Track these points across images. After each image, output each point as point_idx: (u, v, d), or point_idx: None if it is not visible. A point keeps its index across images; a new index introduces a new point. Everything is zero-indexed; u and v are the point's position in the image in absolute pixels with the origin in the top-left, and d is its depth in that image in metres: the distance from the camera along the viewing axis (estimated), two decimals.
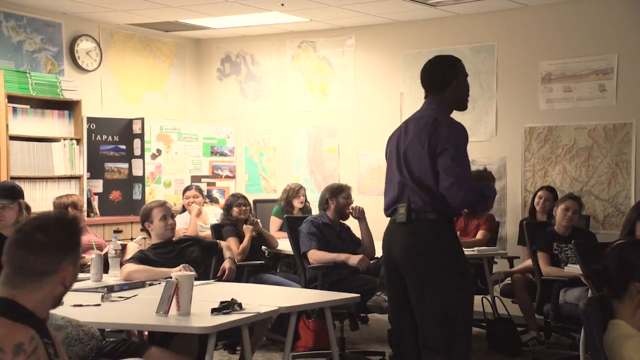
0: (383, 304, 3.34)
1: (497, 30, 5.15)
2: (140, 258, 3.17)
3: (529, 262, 4.09)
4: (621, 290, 1.84)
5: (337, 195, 3.93)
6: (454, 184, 2.34)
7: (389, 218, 2.53)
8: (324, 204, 3.97)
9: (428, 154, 2.37)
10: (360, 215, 3.96)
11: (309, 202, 5.10)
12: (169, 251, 3.26)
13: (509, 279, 4.27)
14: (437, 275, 2.37)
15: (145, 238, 4.45)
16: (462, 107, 2.53)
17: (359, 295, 3.07)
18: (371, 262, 3.92)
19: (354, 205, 3.99)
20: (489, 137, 5.21)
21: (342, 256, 3.72)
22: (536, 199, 4.55)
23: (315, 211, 5.19)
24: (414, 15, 5.30)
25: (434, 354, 2.35)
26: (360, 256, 3.71)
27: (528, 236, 3.97)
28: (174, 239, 3.37)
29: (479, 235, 4.34)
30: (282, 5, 4.99)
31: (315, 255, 3.75)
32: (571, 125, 4.89)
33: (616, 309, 1.85)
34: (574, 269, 3.57)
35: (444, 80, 2.49)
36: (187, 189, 5.05)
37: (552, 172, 4.95)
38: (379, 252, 3.95)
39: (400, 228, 2.43)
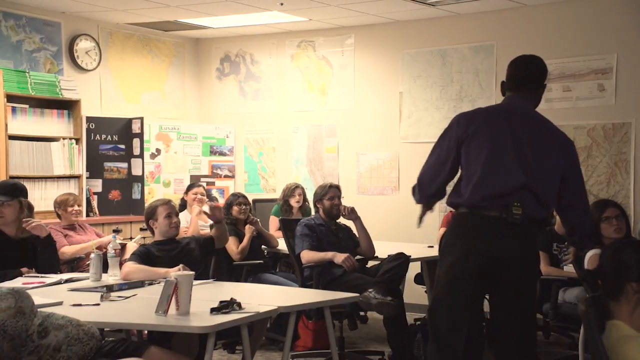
0: (372, 300, 3.35)
1: (496, 30, 5.16)
2: (142, 254, 3.18)
3: None
4: (617, 291, 1.84)
5: (322, 199, 3.97)
6: (587, 210, 2.41)
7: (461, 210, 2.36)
8: (314, 207, 4.04)
9: (558, 170, 2.34)
10: (350, 215, 3.96)
11: (308, 202, 5.11)
12: (172, 248, 3.27)
13: None
14: (534, 280, 2.43)
15: (144, 237, 4.46)
16: None
17: (358, 294, 3.08)
18: (370, 261, 3.93)
19: (343, 204, 4.01)
20: None
21: (328, 254, 3.74)
22: None
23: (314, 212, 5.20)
24: (413, 15, 5.30)
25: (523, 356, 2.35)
26: (345, 255, 3.71)
27: None
28: (182, 241, 3.38)
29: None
30: (282, 4, 5.00)
31: (306, 256, 3.78)
32: (570, 124, 4.90)
33: (613, 309, 1.85)
34: (571, 268, 3.59)
35: (542, 77, 2.48)
36: (193, 185, 5.05)
37: None
38: (378, 252, 3.97)
39: (516, 231, 2.29)
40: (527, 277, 2.34)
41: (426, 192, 2.41)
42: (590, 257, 3.16)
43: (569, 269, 3.67)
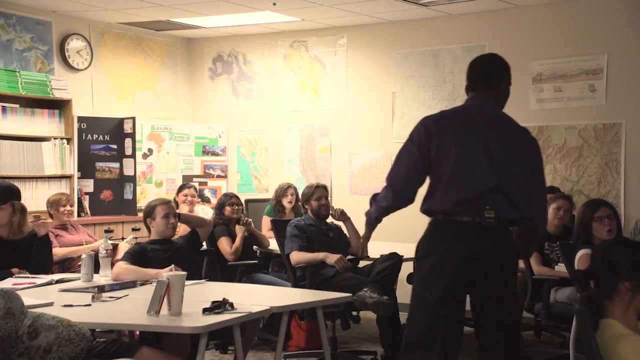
0: (368, 299, 3.35)
1: (488, 31, 5.18)
2: (135, 252, 3.17)
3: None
4: (611, 291, 1.85)
5: (309, 200, 3.97)
6: (545, 207, 2.38)
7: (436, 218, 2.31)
8: (303, 208, 4.05)
9: (528, 169, 2.30)
10: (340, 217, 3.97)
11: (300, 202, 5.10)
12: (166, 249, 3.26)
13: None
14: (513, 282, 2.36)
15: (136, 238, 4.45)
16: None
17: (351, 294, 3.08)
18: (362, 261, 3.93)
19: (333, 206, 4.01)
20: None
21: (320, 255, 3.73)
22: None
23: None
24: (405, 15, 5.31)
25: None
26: (338, 256, 3.71)
27: None
28: (176, 241, 3.37)
29: None
30: (274, 4, 4.99)
31: (296, 257, 3.78)
32: (562, 125, 4.92)
33: (606, 308, 1.86)
34: (563, 267, 3.60)
35: (501, 73, 2.43)
36: (184, 187, 5.04)
37: None
38: (370, 252, 3.97)
39: (490, 235, 2.24)
40: (505, 280, 2.30)
41: (402, 194, 2.34)
42: (581, 256, 3.17)
43: (561, 268, 3.68)
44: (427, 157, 2.29)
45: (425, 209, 2.33)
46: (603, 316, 1.86)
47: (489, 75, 2.40)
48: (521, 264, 4.12)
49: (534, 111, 5.03)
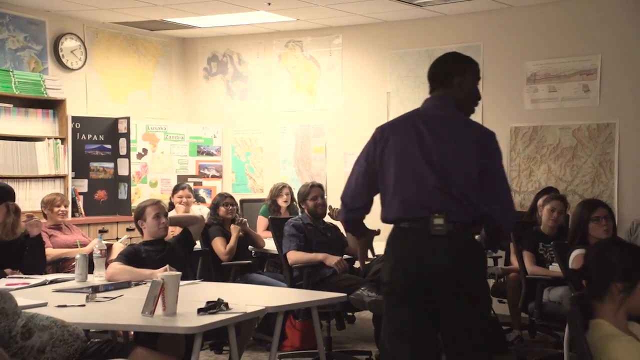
0: (365, 298, 3.35)
1: (483, 31, 5.19)
2: (129, 254, 3.16)
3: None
4: (603, 291, 1.85)
5: (305, 200, 3.97)
6: (511, 206, 2.24)
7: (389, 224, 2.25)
8: (300, 207, 4.04)
9: (475, 167, 2.17)
10: (338, 216, 3.96)
11: (296, 202, 5.10)
12: (160, 249, 3.25)
13: (503, 278, 4.31)
14: (477, 292, 2.21)
15: (130, 238, 4.43)
16: (466, 110, 2.32)
17: (345, 294, 3.08)
18: (356, 262, 3.92)
19: (331, 205, 4.01)
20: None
21: (319, 256, 3.73)
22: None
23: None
24: (400, 15, 5.32)
25: None
26: (338, 258, 3.70)
27: (514, 236, 4.01)
28: (170, 242, 3.36)
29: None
30: (269, 4, 4.99)
31: (293, 256, 3.77)
32: (556, 125, 4.94)
33: (597, 308, 1.86)
34: (557, 267, 3.61)
35: (452, 70, 2.31)
36: (179, 187, 5.03)
37: (538, 172, 5.00)
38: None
39: (441, 242, 2.13)
40: (465, 291, 2.14)
41: (348, 209, 2.30)
42: (575, 256, 3.18)
43: (555, 268, 3.70)
44: (374, 167, 2.25)
45: (382, 218, 2.27)
46: (593, 316, 1.86)
47: (435, 76, 2.33)
48: (516, 264, 4.15)
49: (528, 111, 5.04)
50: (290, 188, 5.03)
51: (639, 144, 4.66)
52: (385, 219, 2.26)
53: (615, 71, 4.73)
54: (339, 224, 4.05)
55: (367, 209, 2.32)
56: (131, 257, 3.13)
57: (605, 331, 1.82)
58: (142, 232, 3.32)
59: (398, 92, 5.50)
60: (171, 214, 4.80)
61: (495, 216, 2.20)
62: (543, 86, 4.98)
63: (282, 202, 4.92)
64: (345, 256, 3.93)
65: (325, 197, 4.04)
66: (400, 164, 2.21)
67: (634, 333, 1.88)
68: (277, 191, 4.94)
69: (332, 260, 3.69)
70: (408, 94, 5.46)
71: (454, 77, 2.31)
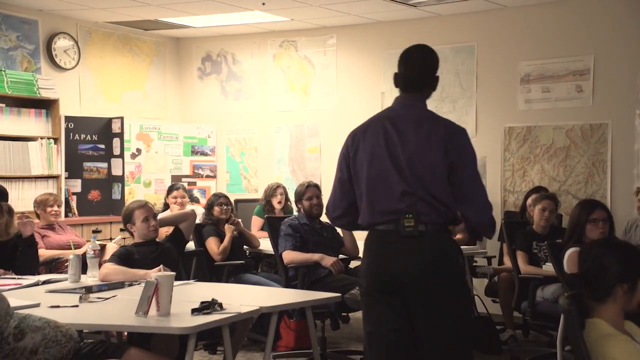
0: (360, 297, 3.34)
1: (477, 31, 5.20)
2: (122, 255, 3.14)
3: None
4: (607, 293, 1.85)
5: (301, 199, 3.97)
6: (486, 204, 2.16)
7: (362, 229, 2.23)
8: (297, 207, 4.03)
9: (443, 167, 2.13)
10: None
11: (290, 202, 5.10)
12: (152, 250, 3.24)
13: (496, 277, 4.32)
14: (453, 295, 2.15)
15: (124, 238, 4.42)
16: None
17: (340, 294, 3.08)
18: (353, 262, 3.93)
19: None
20: (469, 136, 5.24)
21: (315, 256, 3.73)
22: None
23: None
24: (395, 16, 5.33)
25: None
26: (334, 258, 3.70)
27: (507, 236, 4.02)
28: (162, 243, 3.35)
29: (460, 235, 4.37)
30: (263, 4, 4.98)
31: (289, 256, 3.77)
32: (549, 125, 4.96)
33: (595, 308, 1.86)
34: (551, 267, 3.62)
35: (434, 73, 2.25)
36: (173, 188, 5.02)
37: (531, 172, 5.01)
38: (361, 252, 3.97)
39: (410, 243, 2.10)
40: (435, 292, 2.09)
41: (331, 215, 2.30)
42: (570, 255, 3.18)
43: (548, 267, 3.71)
44: (348, 174, 2.24)
45: (359, 224, 2.25)
46: (589, 315, 1.86)
47: (423, 75, 2.25)
48: (509, 263, 4.17)
49: (522, 111, 5.06)
50: (284, 188, 5.02)
51: (632, 144, 4.68)
52: (360, 225, 2.25)
53: (608, 72, 4.75)
54: None
55: (348, 215, 2.28)
56: (124, 258, 3.12)
57: (602, 331, 1.82)
58: (132, 235, 3.31)
59: (392, 92, 5.42)
60: (165, 214, 4.80)
61: (469, 215, 2.16)
62: (537, 86, 5.00)
63: (276, 202, 4.91)
64: (341, 256, 3.93)
65: (321, 197, 4.02)
66: (370, 170, 2.18)
67: (630, 332, 1.88)
68: (271, 191, 4.93)
69: (328, 260, 3.68)
70: None
71: (433, 79, 2.27)
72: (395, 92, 2.35)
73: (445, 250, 2.15)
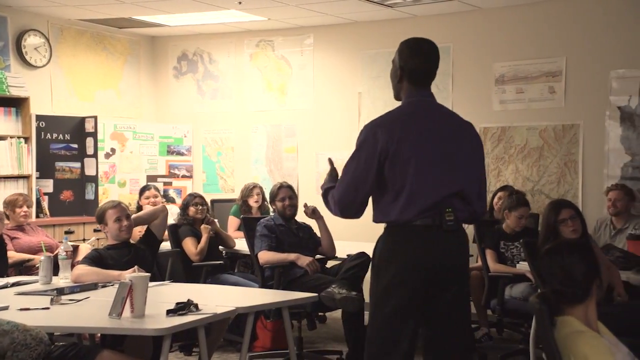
0: (336, 295, 3.35)
1: (452, 32, 5.25)
2: (94, 257, 3.09)
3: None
4: (587, 294, 1.88)
5: (274, 200, 3.97)
6: (486, 199, 2.32)
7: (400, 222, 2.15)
8: (272, 208, 4.02)
9: (480, 165, 2.24)
10: (312, 215, 3.95)
11: (267, 202, 5.08)
12: (125, 253, 3.19)
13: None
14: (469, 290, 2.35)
15: (98, 239, 4.35)
16: None
17: (316, 294, 3.07)
18: (330, 261, 3.93)
19: (306, 203, 4.00)
20: None
21: (291, 256, 3.72)
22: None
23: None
24: (371, 16, 5.35)
25: None
26: (310, 258, 3.69)
27: (477, 234, 4.08)
28: (131, 240, 3.30)
29: None
30: (240, 3, 4.95)
31: (265, 256, 3.76)
32: (523, 125, 5.03)
33: (566, 306, 1.89)
34: (524, 266, 3.69)
35: (436, 68, 2.26)
36: (145, 188, 4.96)
37: (506, 172, 5.08)
38: (339, 252, 3.98)
39: (451, 237, 2.16)
40: (466, 288, 2.25)
41: (346, 212, 2.21)
42: None
43: (521, 266, 3.77)
44: (380, 168, 2.15)
45: (380, 221, 2.21)
46: (559, 313, 1.89)
47: (435, 69, 2.24)
48: (479, 261, 4.22)
49: (497, 112, 5.12)
50: (261, 188, 5.01)
51: (602, 144, 4.77)
52: (395, 220, 2.16)
53: (579, 73, 4.84)
54: (313, 222, 4.04)
55: (363, 211, 2.25)
56: (96, 261, 3.07)
57: (573, 327, 1.85)
58: (106, 235, 3.26)
59: (369, 92, 5.52)
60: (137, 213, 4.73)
61: (479, 211, 2.26)
62: (511, 87, 5.07)
63: (253, 202, 4.89)
64: (318, 256, 3.93)
65: (294, 198, 4.00)
66: (419, 167, 2.13)
67: (599, 330, 1.91)
68: (247, 191, 4.91)
69: (304, 260, 3.68)
70: (379, 94, 5.48)
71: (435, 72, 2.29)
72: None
73: (467, 244, 2.28)
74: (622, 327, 2.15)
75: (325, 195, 2.30)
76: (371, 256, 2.29)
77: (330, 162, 2.41)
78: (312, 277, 3.65)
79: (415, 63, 2.22)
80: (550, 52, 4.92)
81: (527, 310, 3.59)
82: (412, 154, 2.14)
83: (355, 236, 4.82)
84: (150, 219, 3.41)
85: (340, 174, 2.30)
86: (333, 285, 3.42)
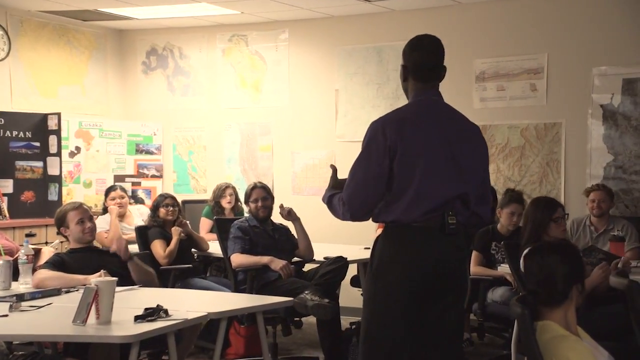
0: (308, 302, 3.33)
1: (431, 28, 5.23)
2: (56, 262, 3.03)
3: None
4: (565, 297, 1.90)
5: (247, 201, 3.94)
6: (490, 204, 2.31)
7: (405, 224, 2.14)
8: (247, 209, 4.00)
9: (484, 168, 2.24)
10: (288, 217, 3.93)
11: (241, 203, 5.04)
12: (89, 257, 3.12)
13: None
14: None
15: (62, 242, 4.26)
16: None
17: (292, 299, 3.05)
18: (306, 265, 3.91)
19: (282, 204, 3.97)
20: None
21: (264, 259, 3.69)
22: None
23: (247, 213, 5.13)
24: (348, 10, 5.35)
25: None
26: (283, 262, 3.66)
27: (468, 235, 4.09)
28: (102, 248, 3.23)
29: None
30: None
31: (237, 259, 3.73)
32: (504, 124, 5.08)
33: (546, 311, 1.91)
34: (505, 268, 3.72)
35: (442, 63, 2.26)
36: (110, 189, 4.88)
37: None
38: (316, 255, 3.96)
39: (453, 240, 2.16)
40: (462, 299, 2.23)
41: (357, 214, 2.17)
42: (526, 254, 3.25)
43: (503, 268, 3.79)
44: (390, 166, 2.13)
45: (382, 220, 2.19)
46: (540, 318, 1.91)
47: (440, 64, 2.24)
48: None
49: (477, 110, 5.16)
50: (234, 188, 4.97)
51: (584, 143, 4.85)
52: (396, 220, 2.15)
53: (561, 70, 4.91)
54: (290, 224, 4.02)
55: (372, 212, 2.21)
56: (59, 266, 3.00)
57: (555, 332, 1.87)
58: (67, 239, 3.19)
59: (347, 89, 5.52)
60: (105, 218, 4.66)
61: (483, 216, 2.26)
62: (492, 85, 5.12)
63: (225, 203, 4.85)
64: (296, 259, 3.91)
65: (269, 199, 3.97)
66: (427, 167, 2.12)
67: (579, 334, 1.94)
68: (220, 192, 4.87)
69: (277, 264, 3.65)
70: (357, 91, 5.49)
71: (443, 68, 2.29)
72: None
73: (466, 251, 2.34)
74: (602, 332, 2.18)
75: (330, 202, 2.25)
76: (370, 258, 2.25)
77: (333, 168, 2.37)
78: (286, 282, 3.63)
79: (416, 57, 2.24)
80: (532, 48, 4.98)
81: (507, 314, 3.61)
82: (421, 153, 2.14)
83: (331, 238, 4.81)
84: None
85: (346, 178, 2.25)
86: (306, 292, 3.40)
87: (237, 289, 3.72)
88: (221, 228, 3.92)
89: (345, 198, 2.17)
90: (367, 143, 2.17)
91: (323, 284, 3.52)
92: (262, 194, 3.92)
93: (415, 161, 2.13)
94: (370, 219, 2.24)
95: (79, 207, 3.16)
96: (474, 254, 3.97)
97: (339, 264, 3.62)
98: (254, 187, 3.96)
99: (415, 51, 2.25)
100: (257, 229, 3.87)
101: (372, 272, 2.21)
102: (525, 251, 3.23)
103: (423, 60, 2.23)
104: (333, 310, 3.43)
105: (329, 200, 2.26)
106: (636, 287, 2.40)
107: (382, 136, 2.14)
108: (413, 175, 2.13)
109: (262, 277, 3.69)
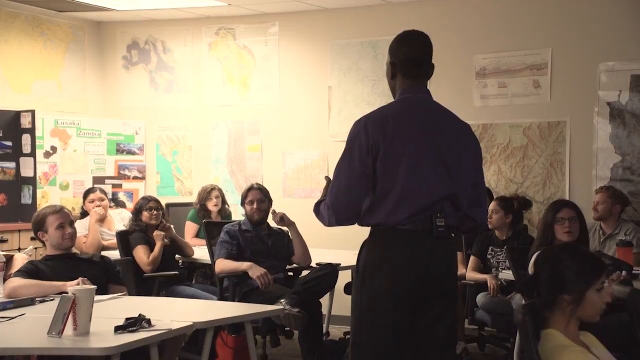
0: (281, 312, 3.30)
1: (429, 21, 5.29)
2: (29, 271, 3.00)
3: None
4: (551, 303, 1.91)
5: (243, 203, 3.93)
6: (486, 206, 2.34)
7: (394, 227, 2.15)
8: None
9: (474, 169, 2.26)
10: (280, 222, 3.91)
11: (228, 205, 5.03)
12: (66, 264, 3.09)
13: None
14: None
15: (37, 248, 4.23)
16: None
17: (282, 308, 3.04)
18: (304, 270, 3.90)
19: (275, 210, 3.96)
20: None
21: (243, 265, 3.67)
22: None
23: (235, 215, 5.12)
24: (342, 3, 5.35)
25: None
26: (261, 270, 3.62)
27: (465, 241, 4.12)
28: (81, 255, 3.21)
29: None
30: None
31: (220, 265, 3.73)
32: (506, 123, 5.10)
33: (548, 318, 1.92)
34: (504, 274, 3.76)
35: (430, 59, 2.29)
36: (89, 191, 4.86)
37: (487, 173, 5.13)
38: (314, 259, 3.95)
39: (441, 244, 2.18)
40: (452, 306, 2.23)
41: (342, 216, 2.18)
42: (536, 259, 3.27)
43: (503, 274, 3.82)
44: (374, 166, 2.14)
45: (367, 224, 2.21)
46: (545, 326, 1.92)
47: (429, 60, 2.26)
48: (463, 270, 4.26)
49: (478, 108, 5.18)
50: (220, 190, 4.96)
51: (590, 143, 4.87)
52: (381, 222, 2.16)
53: (566, 66, 4.92)
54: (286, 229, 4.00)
55: (359, 215, 2.22)
56: (33, 274, 2.98)
57: (557, 342, 1.88)
58: (44, 244, 3.16)
59: (340, 86, 5.53)
60: (84, 222, 4.63)
61: (478, 219, 2.27)
62: (492, 81, 5.13)
63: (212, 205, 4.84)
64: (294, 265, 3.90)
65: (265, 201, 3.95)
66: (411, 167, 2.14)
67: (587, 343, 1.95)
68: (205, 194, 4.86)
69: (255, 271, 3.61)
70: (351, 88, 5.49)
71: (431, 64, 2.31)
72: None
73: (456, 255, 2.33)
74: (607, 342, 2.19)
75: (317, 209, 2.26)
76: (356, 262, 2.26)
77: (328, 180, 2.40)
78: (270, 288, 3.61)
79: (404, 52, 2.25)
80: (535, 42, 4.99)
81: (487, 320, 3.88)
82: (405, 152, 2.15)
83: (323, 243, 4.80)
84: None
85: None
86: (281, 300, 3.38)
87: (222, 296, 3.71)
88: (210, 233, 3.91)
89: (329, 201, 2.20)
90: (349, 142, 2.20)
91: (301, 292, 3.50)
92: (259, 196, 3.91)
93: (399, 160, 2.14)
94: (357, 223, 2.25)
95: (59, 210, 3.13)
96: (472, 259, 4.00)
97: (324, 272, 3.60)
98: (251, 189, 3.96)
99: (404, 46, 2.26)
100: (248, 233, 3.86)
101: (358, 277, 2.23)
102: (534, 256, 3.26)
103: (413, 55, 2.25)
104: (304, 321, 3.35)
105: (316, 208, 2.28)
106: (637, 293, 2.42)
107: (364, 134, 2.16)
108: (397, 175, 2.14)
109: (245, 284, 3.68)
